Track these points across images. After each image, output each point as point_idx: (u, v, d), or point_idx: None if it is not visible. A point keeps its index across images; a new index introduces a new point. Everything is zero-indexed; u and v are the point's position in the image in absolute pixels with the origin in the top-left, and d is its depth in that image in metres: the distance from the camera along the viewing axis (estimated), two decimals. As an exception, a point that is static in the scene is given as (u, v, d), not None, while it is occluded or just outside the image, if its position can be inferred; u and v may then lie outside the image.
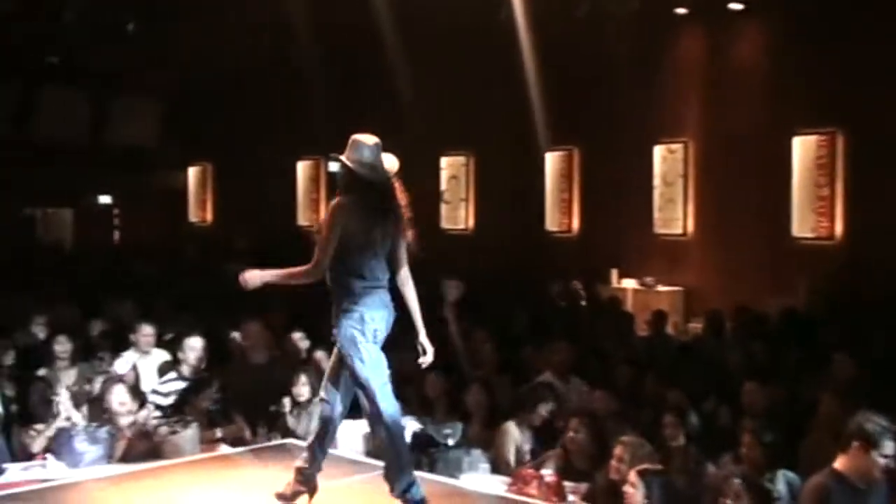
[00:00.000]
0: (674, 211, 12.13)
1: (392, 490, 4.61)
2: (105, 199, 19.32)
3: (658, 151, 12.27)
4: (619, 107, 12.32)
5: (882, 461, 4.31)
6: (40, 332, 8.58)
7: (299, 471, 4.78)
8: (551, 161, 13.40)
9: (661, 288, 11.93)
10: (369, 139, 4.52)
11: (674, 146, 12.13)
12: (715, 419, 6.18)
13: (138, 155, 17.76)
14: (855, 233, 10.56)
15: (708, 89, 11.91)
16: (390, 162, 4.57)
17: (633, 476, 4.56)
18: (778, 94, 11.09)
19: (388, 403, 4.46)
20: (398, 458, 4.57)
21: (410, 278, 4.64)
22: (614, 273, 12.34)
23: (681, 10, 11.67)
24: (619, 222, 12.58)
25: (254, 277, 4.51)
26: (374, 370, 4.44)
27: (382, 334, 4.49)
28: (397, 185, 4.58)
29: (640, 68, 12.23)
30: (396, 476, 4.58)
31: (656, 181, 12.27)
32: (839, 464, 4.41)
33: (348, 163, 4.47)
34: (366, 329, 4.41)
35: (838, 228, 10.66)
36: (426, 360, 4.71)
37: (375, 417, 4.52)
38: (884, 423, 4.31)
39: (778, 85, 11.11)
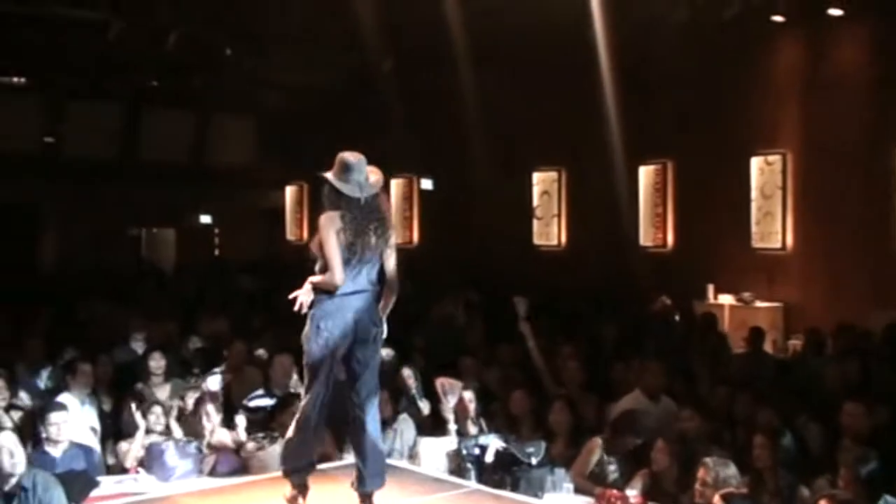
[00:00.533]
0: (772, 224, 11.76)
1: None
2: (206, 219, 19.87)
3: (755, 163, 11.92)
4: (715, 118, 12.04)
5: None
6: (139, 348, 8.84)
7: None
8: (644, 174, 13.18)
9: (759, 304, 11.56)
10: (353, 157, 4.74)
11: (771, 157, 11.77)
12: (809, 441, 5.91)
13: (238, 175, 18.23)
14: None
15: (807, 98, 11.53)
16: (375, 177, 4.79)
17: (717, 500, 4.41)
18: (881, 101, 10.64)
19: (313, 400, 4.86)
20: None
21: (394, 284, 4.88)
22: (710, 288, 12.02)
23: (777, 18, 11.34)
24: (715, 236, 12.27)
25: (303, 294, 4.75)
26: (313, 372, 4.80)
27: (335, 341, 4.73)
28: (383, 197, 4.84)
29: (736, 78, 11.94)
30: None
31: (754, 194, 11.91)
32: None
33: (332, 180, 4.71)
34: (319, 335, 4.72)
35: (949, 241, 10.18)
36: None
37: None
38: None
39: (881, 92, 10.67)
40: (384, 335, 4.91)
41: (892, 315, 9.29)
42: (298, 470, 5.05)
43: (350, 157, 4.74)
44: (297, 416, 5.00)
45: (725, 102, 11.96)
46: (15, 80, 15.78)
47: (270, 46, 14.44)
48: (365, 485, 4.88)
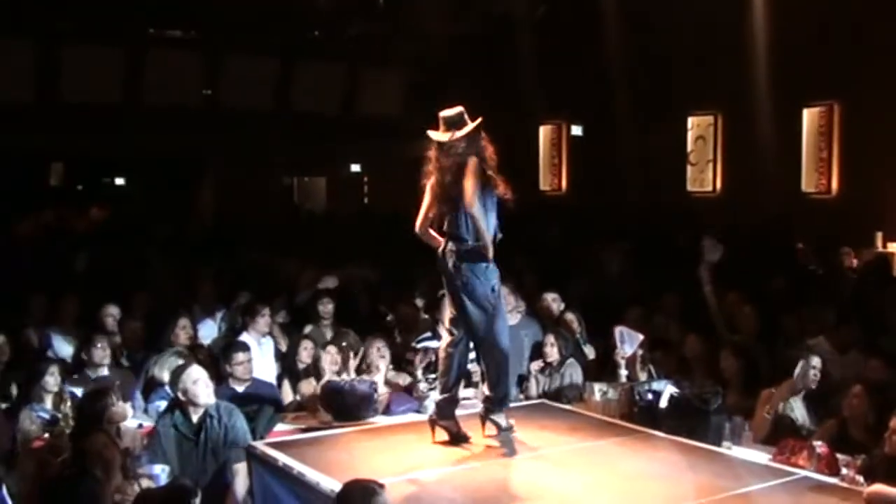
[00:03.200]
0: (949, 168, 11.11)
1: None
2: (355, 168, 20.21)
3: (931, 103, 11.26)
4: (887, 57, 11.38)
5: None
6: (306, 294, 9.08)
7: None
8: (808, 118, 12.62)
9: (932, 252, 10.98)
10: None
11: (950, 97, 11.08)
12: None
13: (387, 124, 18.41)
14: None
15: None
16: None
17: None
18: None
19: (498, 340, 5.17)
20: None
21: None
22: (879, 236, 11.48)
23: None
24: (884, 181, 11.67)
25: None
26: (490, 319, 5.12)
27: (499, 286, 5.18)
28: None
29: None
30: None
31: (929, 136, 11.27)
32: None
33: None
34: (495, 290, 5.10)
35: None
36: None
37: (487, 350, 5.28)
38: None
39: None
40: None
41: None
42: (447, 415, 5.31)
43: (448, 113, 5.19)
44: (441, 358, 5.29)
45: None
46: (175, 33, 16.30)
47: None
48: (495, 410, 5.26)
